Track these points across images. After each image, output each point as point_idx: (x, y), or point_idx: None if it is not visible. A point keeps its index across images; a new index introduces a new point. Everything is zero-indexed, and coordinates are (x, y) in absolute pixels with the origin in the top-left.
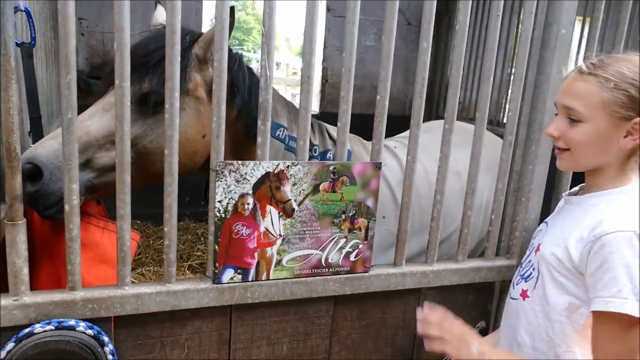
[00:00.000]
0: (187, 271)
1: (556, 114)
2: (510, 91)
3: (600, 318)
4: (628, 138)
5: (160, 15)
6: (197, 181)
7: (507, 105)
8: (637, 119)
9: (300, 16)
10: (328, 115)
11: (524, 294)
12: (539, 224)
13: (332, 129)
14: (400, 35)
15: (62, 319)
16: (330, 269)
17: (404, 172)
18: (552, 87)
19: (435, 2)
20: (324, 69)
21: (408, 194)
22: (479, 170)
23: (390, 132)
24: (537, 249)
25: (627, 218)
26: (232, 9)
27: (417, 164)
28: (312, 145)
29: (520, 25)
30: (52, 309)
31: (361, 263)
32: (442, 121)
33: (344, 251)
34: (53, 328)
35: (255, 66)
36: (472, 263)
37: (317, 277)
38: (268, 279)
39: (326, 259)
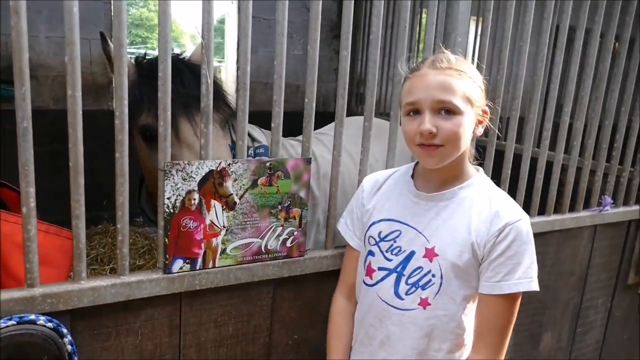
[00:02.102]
0: (109, 274)
1: (411, 113)
2: None
3: (496, 298)
4: (479, 126)
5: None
6: (113, 185)
7: None
8: (485, 107)
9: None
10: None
11: (423, 303)
12: (370, 224)
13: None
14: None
15: (22, 314)
16: (270, 255)
17: (317, 166)
18: None
19: (352, 17)
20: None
21: (335, 184)
22: (394, 161)
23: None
24: (429, 255)
25: (514, 206)
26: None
27: (331, 157)
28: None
29: (424, 35)
30: (12, 305)
31: (297, 248)
32: (354, 118)
33: (281, 238)
34: (15, 323)
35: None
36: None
37: (258, 263)
38: (214, 266)
39: (265, 246)
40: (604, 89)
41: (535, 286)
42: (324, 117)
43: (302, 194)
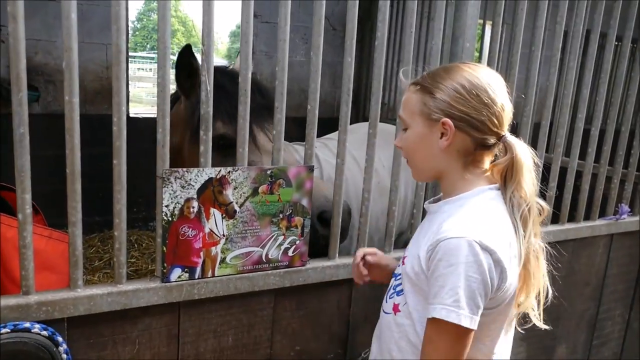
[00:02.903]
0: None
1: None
2: None
3: (428, 321)
4: (443, 139)
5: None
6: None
7: None
8: (445, 119)
9: (226, 21)
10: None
11: (395, 308)
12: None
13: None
14: (326, 40)
15: (17, 322)
16: (271, 264)
17: (321, 170)
18: None
19: (356, 22)
20: (252, 74)
21: (339, 193)
22: (399, 169)
23: (320, 133)
24: (402, 262)
25: (463, 223)
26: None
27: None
28: None
29: (431, 41)
30: (7, 313)
31: (298, 257)
32: (362, 124)
33: (282, 247)
34: (9, 331)
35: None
36: (398, 253)
37: (259, 272)
38: (213, 275)
39: (266, 255)
40: (620, 94)
41: (458, 319)
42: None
43: (305, 202)
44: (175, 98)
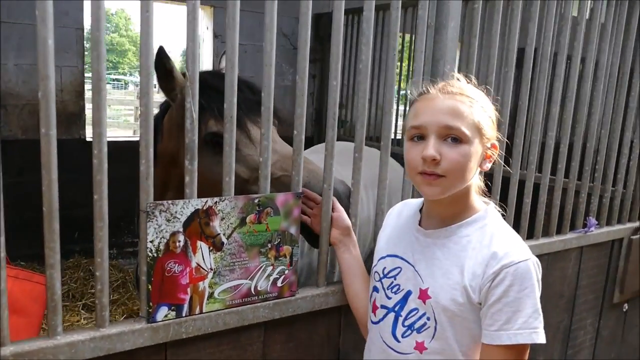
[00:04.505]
0: (82, 310)
1: (415, 138)
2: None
3: (496, 349)
4: (486, 161)
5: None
6: (85, 216)
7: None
8: (493, 141)
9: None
10: None
11: (419, 347)
12: (378, 259)
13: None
14: (287, 59)
15: None
16: (260, 296)
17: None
18: None
19: (340, 45)
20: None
21: (326, 219)
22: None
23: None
24: (423, 296)
25: (515, 245)
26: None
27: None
28: None
29: (412, 62)
30: None
31: (288, 288)
32: (337, 143)
33: (271, 278)
34: None
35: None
36: None
37: (248, 306)
38: (201, 312)
39: (255, 287)
40: (585, 112)
41: (539, 338)
42: (305, 141)
43: (293, 230)
44: (167, 106)
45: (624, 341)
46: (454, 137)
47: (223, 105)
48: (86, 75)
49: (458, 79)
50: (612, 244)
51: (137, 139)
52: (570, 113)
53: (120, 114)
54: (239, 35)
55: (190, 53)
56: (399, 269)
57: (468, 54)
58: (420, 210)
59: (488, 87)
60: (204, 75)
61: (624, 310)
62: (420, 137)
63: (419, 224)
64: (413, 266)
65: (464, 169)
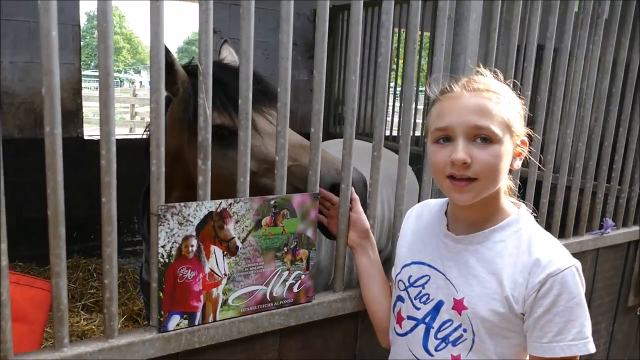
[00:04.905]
0: (82, 311)
1: (441, 140)
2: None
3: None
4: (517, 159)
5: (227, 54)
6: (84, 216)
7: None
8: (523, 137)
9: (173, 37)
10: None
11: None
12: (402, 266)
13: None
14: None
15: None
16: (275, 303)
17: None
18: None
19: (359, 40)
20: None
21: (344, 220)
22: (403, 194)
23: None
24: (458, 306)
25: (557, 251)
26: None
27: None
28: None
29: (433, 57)
30: None
31: (304, 293)
32: (335, 140)
33: (287, 283)
34: None
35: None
36: None
37: (263, 313)
38: (215, 320)
39: (271, 293)
40: (604, 109)
41: (593, 348)
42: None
43: (310, 233)
44: (168, 101)
45: (637, 345)
46: (484, 137)
47: (226, 96)
48: (83, 72)
49: (482, 74)
50: (628, 246)
51: (134, 136)
52: (588, 111)
53: (117, 112)
54: (236, 29)
55: (204, 46)
56: (427, 277)
57: (487, 49)
58: (445, 213)
59: (515, 80)
60: (220, 64)
61: (638, 313)
62: (446, 138)
63: (447, 229)
64: (444, 274)
65: (496, 170)
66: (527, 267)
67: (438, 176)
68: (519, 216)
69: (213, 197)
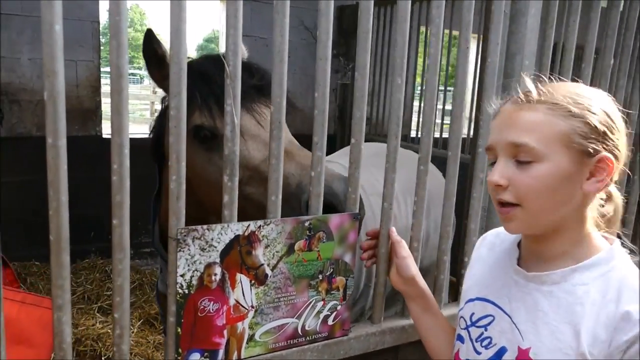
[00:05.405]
0: (97, 314)
1: (492, 163)
2: (479, 126)
3: None
4: (592, 180)
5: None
6: (102, 216)
7: (447, 129)
8: (603, 154)
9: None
10: None
11: None
12: (466, 301)
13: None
14: (310, 53)
15: None
16: (307, 337)
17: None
18: None
19: (406, 39)
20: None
21: (385, 243)
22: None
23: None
24: (523, 357)
25: None
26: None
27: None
28: None
29: (486, 58)
30: None
31: (339, 326)
32: (370, 144)
33: (321, 315)
34: None
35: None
36: (449, 310)
37: (294, 349)
38: (239, 358)
39: (303, 326)
40: None
41: None
42: (327, 139)
43: (348, 258)
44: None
45: None
46: (524, 156)
47: (208, 93)
48: (102, 70)
49: (543, 79)
50: None
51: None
52: None
53: (136, 109)
54: (260, 28)
55: (231, 44)
56: (492, 318)
57: (543, 47)
58: (519, 245)
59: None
60: (192, 61)
61: None
62: (495, 160)
63: (518, 263)
64: (510, 317)
65: (541, 194)
66: (613, 321)
67: (494, 202)
68: (610, 254)
69: (199, 207)
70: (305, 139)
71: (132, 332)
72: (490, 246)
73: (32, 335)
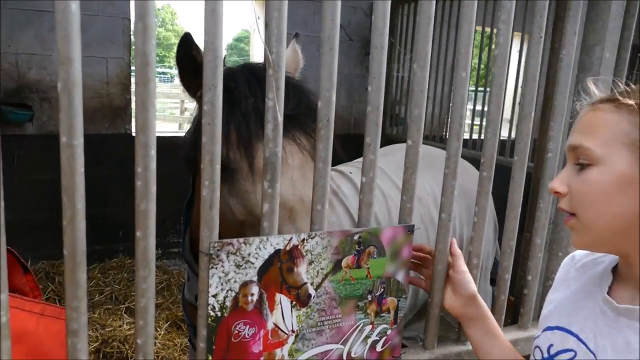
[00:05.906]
0: (125, 314)
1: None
2: (549, 128)
3: None
4: None
5: (291, 52)
6: (129, 215)
7: (515, 134)
8: None
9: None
10: None
11: None
12: (544, 329)
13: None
14: (342, 51)
15: None
16: None
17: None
18: None
19: (472, 31)
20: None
21: (442, 259)
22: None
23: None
24: None
25: None
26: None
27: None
28: None
29: (561, 49)
30: None
31: (389, 353)
32: (396, 145)
33: (369, 341)
34: None
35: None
36: (508, 334)
37: None
38: None
39: (348, 353)
40: None
41: None
42: (357, 140)
43: (400, 277)
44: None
45: None
46: (582, 159)
47: (229, 115)
48: (132, 68)
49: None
50: None
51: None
52: None
53: (166, 107)
54: (290, 24)
55: (275, 28)
56: (573, 354)
57: (622, 39)
58: (614, 270)
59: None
60: (232, 69)
61: None
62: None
63: (609, 292)
64: (594, 355)
65: (594, 202)
66: None
67: None
68: None
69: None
70: (336, 139)
71: (159, 335)
72: (581, 267)
73: (51, 349)
